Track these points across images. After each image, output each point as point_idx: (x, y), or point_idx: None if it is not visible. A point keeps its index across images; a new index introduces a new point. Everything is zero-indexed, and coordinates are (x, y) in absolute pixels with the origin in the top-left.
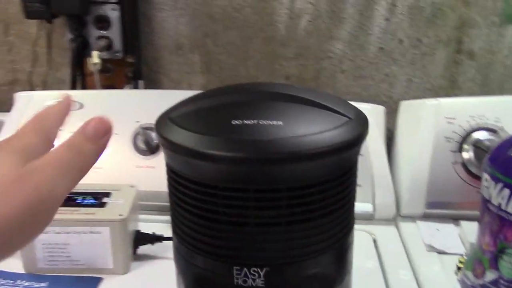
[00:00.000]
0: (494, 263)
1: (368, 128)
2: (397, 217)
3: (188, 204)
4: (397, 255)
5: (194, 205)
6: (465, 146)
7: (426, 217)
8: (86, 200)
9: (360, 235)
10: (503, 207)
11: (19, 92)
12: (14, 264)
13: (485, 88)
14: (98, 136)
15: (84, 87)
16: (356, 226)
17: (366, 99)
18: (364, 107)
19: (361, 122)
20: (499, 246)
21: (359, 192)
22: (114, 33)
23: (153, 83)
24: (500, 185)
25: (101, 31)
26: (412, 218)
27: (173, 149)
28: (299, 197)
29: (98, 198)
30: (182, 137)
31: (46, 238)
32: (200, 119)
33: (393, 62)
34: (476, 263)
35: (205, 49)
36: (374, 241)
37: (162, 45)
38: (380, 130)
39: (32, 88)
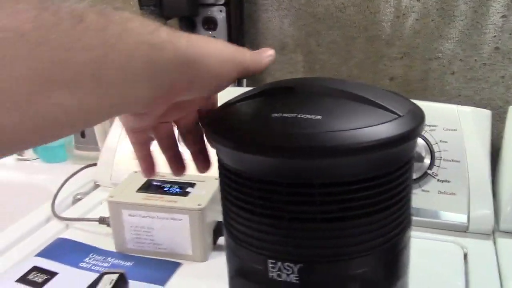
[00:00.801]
0: None
1: (418, 128)
2: (495, 232)
3: (230, 195)
4: (488, 273)
5: (235, 196)
6: None
7: None
8: (172, 189)
9: (450, 248)
10: None
11: None
12: (107, 243)
13: None
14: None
15: None
16: (447, 238)
17: (478, 103)
18: (465, 110)
19: (409, 120)
20: None
21: (453, 201)
22: (221, 33)
23: (256, 82)
24: None
25: (209, 32)
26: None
27: (217, 141)
28: (334, 194)
29: (183, 188)
30: (223, 130)
31: (134, 220)
32: (242, 113)
33: (511, 63)
34: None
35: (308, 49)
36: (465, 255)
37: (266, 45)
38: (483, 136)
39: None
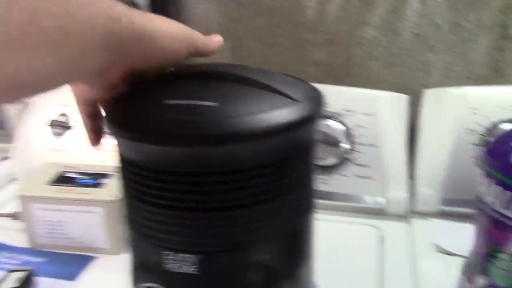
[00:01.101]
0: (484, 268)
1: (314, 114)
2: (410, 214)
3: (126, 185)
4: (402, 254)
5: (129, 185)
6: (490, 140)
7: (442, 214)
8: (83, 180)
9: (367, 231)
10: (495, 207)
11: None
12: (20, 239)
13: None
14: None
15: None
16: (364, 221)
17: (401, 88)
18: (384, 95)
19: (305, 106)
20: (490, 250)
21: (370, 184)
22: None
23: None
24: (493, 183)
25: None
26: (426, 215)
27: (110, 129)
28: (228, 182)
29: (96, 179)
30: (117, 117)
31: (46, 214)
32: (135, 101)
33: (430, 48)
34: (468, 267)
35: (234, 35)
36: (382, 237)
37: None
38: (399, 120)
39: None
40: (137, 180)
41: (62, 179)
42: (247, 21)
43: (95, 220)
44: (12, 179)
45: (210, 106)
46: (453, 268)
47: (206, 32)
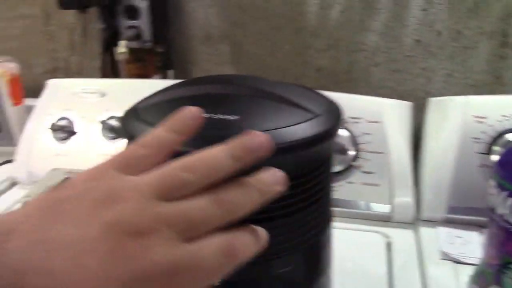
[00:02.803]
0: (498, 279)
1: (335, 127)
2: (417, 221)
3: None
4: (410, 261)
5: None
6: (495, 148)
7: (448, 222)
8: None
9: (374, 237)
10: (507, 217)
11: (51, 80)
12: None
13: None
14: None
15: (116, 76)
16: (371, 228)
17: (402, 94)
18: (389, 102)
19: (326, 120)
20: (502, 261)
21: (376, 191)
22: (144, 23)
23: (183, 73)
24: (505, 193)
25: (130, 21)
26: (432, 222)
27: (129, 140)
28: None
29: None
30: (137, 129)
31: None
32: (158, 112)
33: (431, 55)
34: (480, 276)
35: (235, 39)
36: (388, 244)
37: (191, 35)
38: (404, 127)
39: (69, 75)
40: None
41: None
42: (248, 26)
43: None
44: (13, 183)
45: (232, 120)
46: (462, 276)
47: (206, 36)
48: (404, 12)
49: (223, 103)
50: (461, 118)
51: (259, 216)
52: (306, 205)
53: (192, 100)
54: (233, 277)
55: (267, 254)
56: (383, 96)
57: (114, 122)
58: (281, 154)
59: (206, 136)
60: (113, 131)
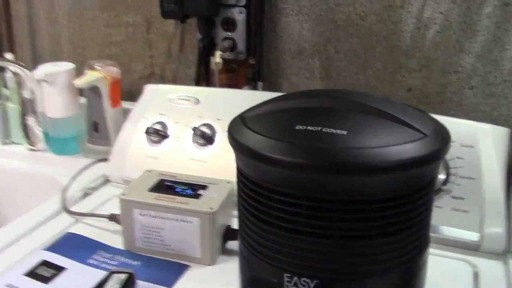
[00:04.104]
0: None
1: (445, 149)
2: (507, 253)
3: (248, 204)
4: None
5: (251, 205)
6: None
7: None
8: (184, 190)
9: (460, 266)
10: None
11: (149, 85)
12: (116, 240)
13: None
14: None
15: (208, 84)
16: (457, 256)
17: (495, 119)
18: (483, 127)
19: (435, 140)
20: None
21: (465, 217)
22: (239, 35)
23: (272, 86)
24: None
25: (227, 33)
26: None
27: (237, 148)
28: (355, 212)
29: (194, 190)
30: (245, 137)
31: (144, 220)
32: (266, 122)
33: None
34: None
35: (326, 55)
36: (476, 274)
37: (284, 49)
38: (500, 154)
39: (164, 81)
40: (263, 201)
41: (162, 187)
42: (341, 42)
43: (191, 229)
44: (107, 181)
45: (340, 135)
46: None
47: (298, 50)
48: (505, 35)
49: (331, 117)
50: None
51: (359, 233)
52: (408, 226)
53: (299, 113)
54: None
55: (363, 272)
56: (476, 120)
57: (206, 129)
58: (390, 172)
59: (315, 148)
60: (204, 138)
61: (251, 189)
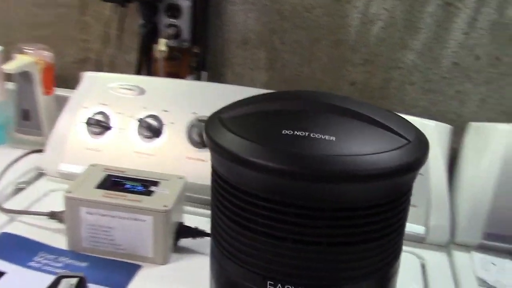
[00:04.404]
0: None
1: (427, 155)
2: (450, 244)
3: (227, 209)
4: (446, 284)
5: (232, 211)
6: None
7: (482, 248)
8: (134, 187)
9: (408, 258)
10: None
11: (88, 72)
12: (58, 240)
13: None
14: None
15: (150, 72)
16: (405, 248)
17: (434, 114)
18: (428, 123)
19: (421, 146)
20: None
21: (413, 212)
22: (184, 22)
23: (216, 76)
24: None
25: (171, 19)
26: (467, 247)
27: (218, 152)
28: (342, 219)
29: (146, 186)
30: (227, 140)
31: (92, 218)
32: (249, 124)
33: (467, 79)
34: None
35: (271, 46)
36: (423, 266)
37: (229, 38)
38: (443, 150)
39: (100, 67)
40: (246, 208)
41: (110, 184)
42: (287, 34)
43: (144, 228)
44: (40, 174)
45: (329, 140)
46: None
47: (243, 40)
48: (445, 34)
49: (317, 121)
50: (504, 146)
51: (339, 240)
52: (386, 234)
53: (283, 116)
54: None
55: (340, 279)
56: (415, 115)
57: (152, 121)
58: (381, 179)
59: (307, 156)
60: (150, 130)
61: (234, 195)
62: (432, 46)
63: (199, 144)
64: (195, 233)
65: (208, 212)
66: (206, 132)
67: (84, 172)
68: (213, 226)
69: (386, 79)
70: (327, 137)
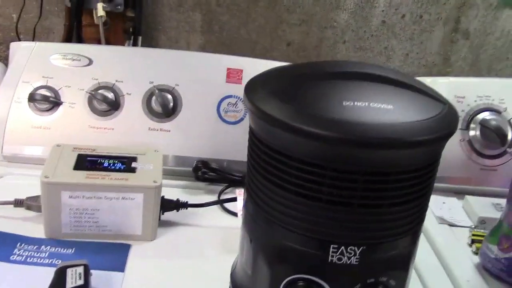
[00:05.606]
0: None
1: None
2: None
3: (288, 183)
4: None
5: (294, 183)
6: (472, 125)
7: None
8: (114, 165)
9: None
10: None
11: (20, 42)
12: (31, 228)
13: (474, 67)
14: None
15: (80, 39)
16: None
17: None
18: None
19: (454, 110)
20: None
21: None
22: None
23: (148, 40)
24: None
25: None
26: None
27: (286, 128)
28: (398, 181)
29: (125, 163)
30: (293, 117)
31: (75, 202)
32: (304, 97)
33: (393, 36)
34: (503, 238)
35: (207, 8)
36: None
37: (162, 0)
38: None
39: (16, 35)
40: (304, 177)
41: (87, 163)
42: None
43: (133, 206)
44: None
45: (388, 109)
46: (459, 237)
47: (177, 2)
48: None
49: (372, 91)
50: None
51: (395, 200)
52: (426, 193)
53: (335, 86)
54: (370, 257)
55: (395, 235)
56: None
57: (106, 93)
58: (438, 143)
59: (372, 125)
60: (106, 103)
61: (291, 166)
62: (363, 5)
63: (161, 114)
64: (179, 205)
65: (181, 182)
66: (252, 104)
67: (51, 154)
68: (250, 192)
69: (321, 38)
70: (384, 105)
